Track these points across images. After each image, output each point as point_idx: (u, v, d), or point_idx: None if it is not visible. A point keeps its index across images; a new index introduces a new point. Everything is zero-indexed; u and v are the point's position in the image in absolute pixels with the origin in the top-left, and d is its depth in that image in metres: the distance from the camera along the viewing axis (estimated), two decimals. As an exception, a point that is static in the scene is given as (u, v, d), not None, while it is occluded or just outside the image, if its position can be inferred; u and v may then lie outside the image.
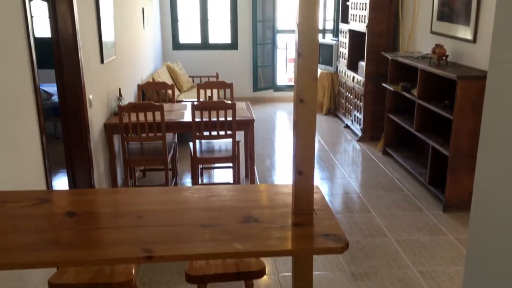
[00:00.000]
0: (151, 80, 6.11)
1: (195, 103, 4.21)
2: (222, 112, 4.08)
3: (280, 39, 8.62)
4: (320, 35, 8.29)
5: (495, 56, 1.23)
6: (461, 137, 4.07)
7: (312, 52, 1.71)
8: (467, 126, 4.04)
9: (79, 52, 3.40)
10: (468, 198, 4.18)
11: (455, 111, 4.02)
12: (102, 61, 4.08)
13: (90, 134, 3.64)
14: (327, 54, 7.66)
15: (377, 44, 5.99)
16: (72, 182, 3.67)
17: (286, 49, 8.79)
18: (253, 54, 8.22)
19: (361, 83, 6.23)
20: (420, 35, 5.45)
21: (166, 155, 4.18)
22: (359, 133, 6.38)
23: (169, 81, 7.10)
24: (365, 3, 5.99)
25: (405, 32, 5.79)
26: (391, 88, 5.29)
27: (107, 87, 4.27)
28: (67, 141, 3.58)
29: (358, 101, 6.42)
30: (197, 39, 8.50)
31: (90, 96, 3.71)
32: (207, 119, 4.11)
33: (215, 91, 5.95)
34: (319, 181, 5.08)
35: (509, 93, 1.12)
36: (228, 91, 5.41)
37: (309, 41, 1.70)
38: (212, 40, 8.52)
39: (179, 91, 7.36)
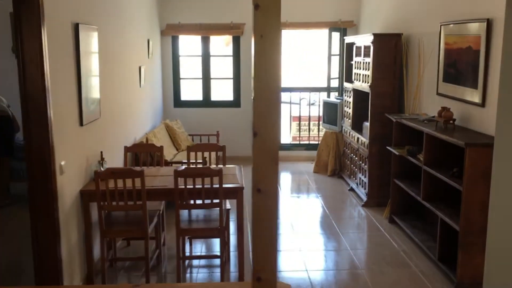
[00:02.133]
0: (144, 140, 5.86)
1: (182, 167, 3.90)
2: (210, 179, 3.76)
3: (284, 96, 8.41)
4: (325, 94, 8.06)
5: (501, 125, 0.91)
6: (472, 210, 3.66)
7: (271, 130, 1.39)
8: (478, 198, 3.63)
9: (48, 113, 3.14)
10: (481, 280, 3.70)
11: (464, 181, 3.63)
12: (81, 124, 3.82)
13: (58, 203, 3.32)
14: (332, 113, 7.39)
15: (381, 105, 5.69)
16: (36, 254, 3.31)
17: (290, 107, 8.56)
18: (256, 112, 7.98)
19: (366, 144, 5.90)
20: (426, 97, 5.15)
21: (147, 225, 3.82)
22: (364, 198, 5.97)
23: (166, 140, 6.85)
24: (368, 63, 5.76)
25: (410, 93, 5.50)
26: (396, 152, 4.94)
27: (86, 151, 3.99)
28: (33, 210, 3.26)
29: (363, 164, 6.06)
30: (199, 96, 8.34)
31: (62, 163, 3.42)
32: (192, 186, 3.78)
33: (212, 153, 5.65)
34: (320, 254, 4.65)
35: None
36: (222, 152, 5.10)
37: (267, 117, 1.39)
38: (214, 97, 8.35)
39: (177, 150, 7.10)
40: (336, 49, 7.94)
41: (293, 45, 15.02)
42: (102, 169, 3.97)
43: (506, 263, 1.61)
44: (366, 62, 5.89)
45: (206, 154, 5.29)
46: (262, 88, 1.38)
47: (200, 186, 3.75)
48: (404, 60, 5.58)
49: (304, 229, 5.27)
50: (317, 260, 4.53)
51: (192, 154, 5.02)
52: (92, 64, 4.11)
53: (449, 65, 4.56)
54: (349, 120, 6.71)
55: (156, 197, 3.98)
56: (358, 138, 6.25)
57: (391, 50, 5.60)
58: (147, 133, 6.14)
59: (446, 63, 4.62)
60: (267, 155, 1.38)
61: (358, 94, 6.43)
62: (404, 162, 5.00)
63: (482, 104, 3.97)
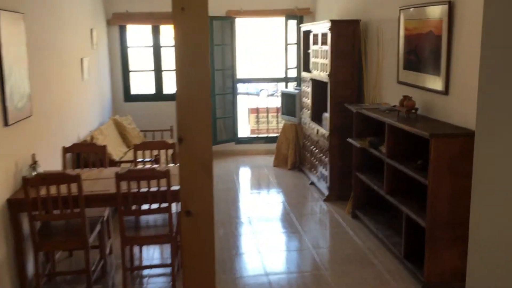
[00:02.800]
0: (88, 139, 5.39)
1: (126, 169, 3.50)
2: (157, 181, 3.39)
3: (241, 88, 8.07)
4: (283, 84, 7.77)
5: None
6: (439, 204, 3.45)
7: (200, 135, 1.06)
8: (445, 191, 3.43)
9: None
10: (450, 278, 3.51)
11: (429, 174, 3.41)
12: (5, 123, 3.36)
13: (-22, 217, 2.88)
14: (290, 104, 7.12)
15: (341, 95, 5.45)
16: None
17: (248, 99, 8.23)
18: (212, 104, 7.62)
19: (326, 136, 5.65)
20: (386, 85, 4.94)
21: (86, 235, 3.41)
22: (326, 192, 5.74)
23: (115, 138, 6.39)
24: (326, 51, 5.49)
25: (370, 82, 5.28)
26: (357, 144, 4.70)
27: (15, 155, 3.53)
28: None
29: (324, 156, 5.81)
30: (151, 90, 7.88)
31: (-19, 169, 2.97)
32: (137, 190, 3.40)
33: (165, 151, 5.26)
34: (280, 255, 4.36)
35: None
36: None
37: (195, 118, 1.05)
38: (167, 90, 7.91)
39: (128, 147, 6.64)
40: (293, 37, 7.65)
41: (249, 34, 14.65)
42: (34, 174, 3.52)
43: (489, 255, 1.41)
44: (324, 51, 5.62)
45: (157, 152, 4.89)
46: (187, 81, 1.05)
47: (146, 190, 3.38)
48: (363, 47, 5.35)
49: (264, 228, 4.97)
50: (278, 262, 4.25)
51: (141, 152, 4.62)
52: (18, 55, 3.63)
53: (409, 52, 4.34)
54: (308, 111, 6.45)
55: (97, 204, 3.58)
56: (318, 130, 6.00)
57: (349, 38, 5.36)
58: (92, 131, 5.67)
59: (406, 50, 4.40)
60: (196, 166, 1.05)
61: (317, 84, 6.17)
62: (366, 154, 4.78)
63: (446, 92, 3.76)
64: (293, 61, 7.73)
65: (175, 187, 3.52)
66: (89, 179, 3.76)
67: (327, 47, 5.46)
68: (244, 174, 7.13)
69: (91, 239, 3.56)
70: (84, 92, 5.85)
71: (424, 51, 4.07)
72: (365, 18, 5.37)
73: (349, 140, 4.90)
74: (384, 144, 4.29)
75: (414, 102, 4.00)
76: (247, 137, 8.25)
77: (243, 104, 8.40)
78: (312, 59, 6.15)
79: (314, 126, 6.15)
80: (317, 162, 6.13)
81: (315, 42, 6.00)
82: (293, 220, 5.13)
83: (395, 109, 4.47)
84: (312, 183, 6.31)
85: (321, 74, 5.73)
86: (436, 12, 3.84)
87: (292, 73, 7.79)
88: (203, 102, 1.11)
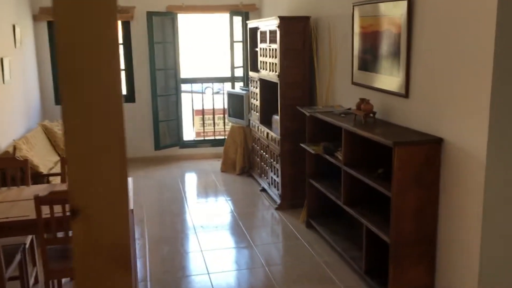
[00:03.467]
0: (11, 150, 4.75)
1: (53, 185, 2.98)
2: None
3: (185, 89, 7.59)
4: (229, 84, 7.36)
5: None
6: (403, 218, 3.17)
7: (117, 199, 0.64)
8: (410, 204, 3.15)
9: None
10: (418, 297, 3.25)
11: (393, 185, 3.13)
12: None
13: None
14: (238, 105, 6.72)
15: (292, 97, 5.12)
16: None
17: (192, 100, 7.76)
18: (153, 107, 7.09)
19: (277, 141, 5.30)
20: (340, 87, 4.65)
21: (1, 268, 2.86)
22: (278, 200, 5.40)
23: (44, 146, 5.75)
24: (275, 49, 5.14)
25: (322, 83, 4.98)
26: (311, 150, 4.38)
27: None
28: None
29: (274, 162, 5.47)
30: (86, 92, 7.23)
31: None
32: (62, 214, 2.88)
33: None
34: (230, 275, 3.96)
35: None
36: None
37: (108, 174, 0.64)
38: (104, 92, 7.29)
39: (60, 156, 6.00)
40: (238, 35, 7.26)
41: (193, 31, 14.06)
42: None
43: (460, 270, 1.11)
44: (272, 49, 5.27)
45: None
46: (83, 107, 0.63)
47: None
48: (314, 46, 5.04)
49: (212, 243, 4.55)
50: (228, 283, 3.85)
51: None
52: None
53: (365, 51, 4.06)
54: (257, 114, 6.08)
55: (14, 232, 3.02)
56: (267, 134, 5.64)
57: (299, 35, 5.03)
58: (15, 140, 5.01)
59: (361, 49, 4.12)
60: (104, 259, 0.63)
61: (266, 85, 5.81)
62: (320, 161, 4.47)
63: (406, 94, 3.50)
64: (239, 59, 7.34)
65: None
66: (5, 201, 3.19)
67: (276, 46, 5.11)
68: (190, 181, 6.67)
69: (9, 271, 3.01)
70: (5, 96, 5.18)
71: (381, 51, 3.80)
72: (315, 15, 5.06)
73: (302, 145, 4.57)
74: (341, 150, 4.00)
75: (372, 105, 3.72)
76: (193, 141, 7.79)
77: (188, 105, 7.90)
78: (260, 58, 5.78)
79: (264, 129, 5.79)
80: (267, 167, 5.78)
81: (263, 40, 5.64)
82: (244, 231, 4.75)
83: (350, 112, 4.19)
84: (263, 190, 5.96)
85: (270, 74, 5.38)
86: (394, 8, 3.57)
87: (239, 73, 7.41)
88: (116, 141, 0.69)
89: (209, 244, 4.50)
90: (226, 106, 7.20)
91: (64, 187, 3.55)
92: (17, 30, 5.69)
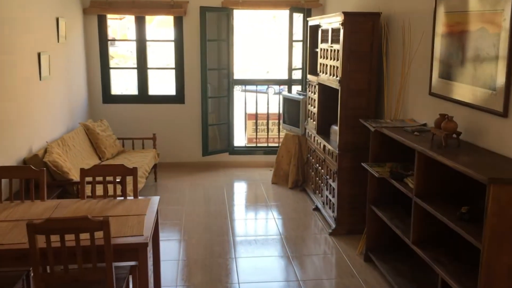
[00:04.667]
0: (41, 153, 4.38)
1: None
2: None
3: (239, 93, 7.04)
4: (285, 87, 6.71)
5: None
6: (496, 279, 2.40)
7: None
8: (507, 261, 2.37)
9: None
10: None
11: (485, 234, 2.36)
12: None
13: None
14: (294, 111, 6.07)
15: (354, 106, 4.40)
16: None
17: (245, 103, 7.19)
18: (203, 109, 6.59)
19: (334, 155, 4.60)
20: (414, 98, 3.88)
21: (-9, 308, 2.40)
22: (332, 223, 4.69)
23: (84, 148, 5.40)
24: (337, 51, 4.44)
25: (392, 91, 4.21)
26: (375, 173, 3.64)
27: None
28: None
29: (331, 179, 4.76)
30: (134, 90, 6.87)
31: None
32: (60, 245, 2.38)
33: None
34: (269, 318, 3.33)
35: None
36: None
37: None
38: (152, 91, 6.89)
39: (100, 159, 5.64)
40: (299, 33, 6.60)
41: (249, 29, 13.39)
42: None
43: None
44: (334, 50, 4.57)
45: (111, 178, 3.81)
46: None
47: (75, 244, 2.35)
48: (384, 48, 4.29)
49: (251, 275, 3.93)
50: (267, 328, 3.22)
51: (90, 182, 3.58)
52: None
53: (449, 56, 3.28)
54: (314, 122, 5.39)
55: (5, 263, 2.52)
56: (324, 146, 4.95)
57: (367, 35, 4.30)
58: (49, 142, 4.65)
59: (444, 53, 3.34)
60: None
61: (325, 90, 5.12)
62: (385, 184, 3.73)
63: (504, 112, 2.70)
64: (298, 61, 6.69)
65: (121, 239, 2.50)
66: (7, 220, 2.74)
67: (338, 46, 4.41)
68: (238, 193, 6.09)
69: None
70: (43, 94, 4.84)
71: (471, 55, 3.01)
72: (387, 11, 4.31)
73: (364, 165, 3.85)
74: (412, 175, 3.25)
75: (456, 124, 2.95)
76: (244, 147, 7.22)
77: (240, 108, 7.34)
78: (320, 60, 5.09)
79: (321, 140, 5.10)
80: (322, 184, 5.08)
81: (324, 40, 4.95)
82: (290, 261, 4.10)
83: (426, 129, 3.43)
84: (316, 209, 5.27)
85: (331, 79, 4.68)
86: (494, 2, 2.77)
87: (297, 75, 6.75)
88: None
89: (248, 276, 3.89)
90: (281, 111, 6.57)
91: (85, 206, 3.06)
92: (61, 23, 5.36)
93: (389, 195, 3.86)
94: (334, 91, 4.70)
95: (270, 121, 7.28)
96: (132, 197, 3.24)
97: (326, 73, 4.85)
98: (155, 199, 3.16)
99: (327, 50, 4.82)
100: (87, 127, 5.66)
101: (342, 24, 4.26)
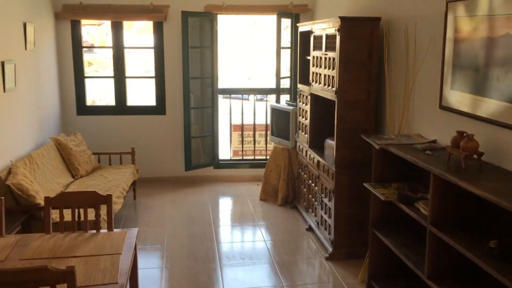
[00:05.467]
0: (3, 174, 3.89)
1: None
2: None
3: (223, 101, 6.62)
4: (273, 96, 6.32)
5: None
6: (536, 329, 2.03)
7: None
8: (549, 308, 2.01)
9: None
10: None
11: (523, 277, 1.99)
12: None
13: None
14: (283, 123, 5.68)
15: (352, 119, 4.03)
16: None
17: (230, 113, 6.78)
18: (185, 120, 6.15)
19: (330, 172, 4.22)
20: (421, 111, 3.52)
21: None
22: (329, 246, 4.30)
23: (55, 166, 4.91)
24: (332, 59, 4.07)
25: (395, 103, 3.86)
26: (380, 195, 3.26)
27: None
28: None
29: (326, 198, 4.38)
30: (112, 101, 6.40)
31: None
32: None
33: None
34: None
35: None
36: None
37: None
38: (131, 101, 6.44)
39: (73, 177, 5.16)
40: (287, 40, 6.24)
41: (234, 35, 12.98)
42: None
43: None
44: (329, 58, 4.20)
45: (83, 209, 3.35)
46: None
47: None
48: (386, 55, 3.93)
49: (244, 307, 3.52)
50: None
51: (56, 212, 3.12)
52: None
53: (465, 65, 2.93)
54: (306, 135, 5.02)
55: None
56: (318, 162, 4.56)
57: (365, 42, 3.94)
58: (13, 161, 4.15)
59: (458, 61, 2.99)
60: None
61: (318, 101, 4.75)
62: (389, 205, 3.36)
63: (535, 131, 2.35)
64: (286, 68, 6.32)
65: (90, 290, 2.06)
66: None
67: (334, 54, 4.05)
68: (224, 210, 5.67)
69: None
70: (7, 107, 4.36)
71: (492, 64, 2.66)
72: (388, 15, 3.96)
73: (367, 186, 3.47)
74: (422, 198, 2.89)
75: (477, 143, 2.59)
76: (229, 160, 6.80)
77: (225, 118, 6.92)
78: (312, 69, 4.73)
79: (314, 155, 4.72)
80: (316, 202, 4.70)
81: (317, 47, 4.58)
82: (285, 292, 3.70)
83: (437, 147, 3.08)
84: (310, 229, 4.88)
85: (325, 89, 4.31)
86: (519, 4, 2.43)
87: (285, 84, 6.38)
88: None
89: (239, 310, 3.47)
90: (269, 122, 6.18)
91: (49, 243, 2.61)
92: (29, 29, 4.88)
93: (394, 218, 3.49)
94: (328, 102, 4.34)
95: (256, 133, 6.88)
96: (105, 230, 2.79)
97: (320, 83, 4.48)
98: (133, 232, 2.73)
99: (321, 58, 4.45)
100: (58, 142, 5.18)
101: (338, 30, 3.90)
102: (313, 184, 4.82)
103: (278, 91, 6.17)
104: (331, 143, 4.43)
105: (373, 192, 3.40)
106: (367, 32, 3.92)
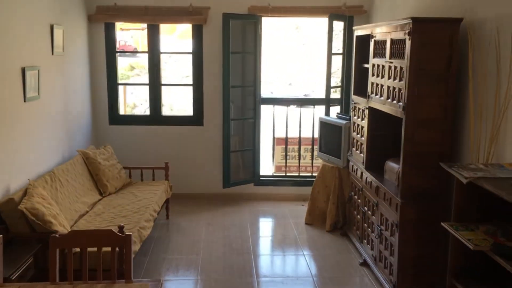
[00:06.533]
0: (17, 196, 3.43)
1: None
2: None
3: (266, 111, 6.05)
4: (323, 107, 5.68)
5: None
6: None
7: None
8: None
9: None
10: None
11: None
12: None
13: None
14: (333, 139, 5.04)
15: (423, 140, 3.36)
16: None
17: (274, 125, 6.18)
18: (225, 133, 5.61)
19: (393, 203, 3.55)
20: (518, 134, 2.82)
21: None
22: (389, 289, 3.63)
23: (82, 182, 4.47)
24: (400, 68, 3.41)
25: (480, 124, 3.15)
26: (469, 245, 2.58)
27: None
28: None
29: (387, 232, 3.71)
30: (146, 110, 5.93)
31: None
32: None
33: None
34: None
35: None
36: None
37: None
38: (166, 111, 5.95)
39: (101, 194, 4.70)
40: (338, 45, 5.61)
41: (283, 38, 12.25)
42: None
43: None
44: (395, 67, 3.54)
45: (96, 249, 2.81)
46: None
47: None
48: (470, 64, 3.23)
49: None
50: None
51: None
52: None
53: None
54: (361, 155, 4.36)
55: None
56: (377, 188, 3.90)
57: (442, 48, 3.26)
58: (31, 180, 3.69)
59: None
60: None
61: (377, 116, 4.10)
62: (474, 252, 2.67)
63: None
64: (337, 77, 5.68)
65: None
66: None
67: (402, 62, 3.39)
68: (264, 235, 5.07)
69: None
70: (27, 118, 3.92)
71: None
72: (472, 15, 3.26)
73: (447, 227, 2.79)
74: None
75: None
76: (271, 177, 6.20)
77: (267, 130, 6.35)
78: (372, 79, 4.07)
79: (371, 179, 4.06)
80: (374, 234, 4.03)
81: (379, 54, 3.94)
82: None
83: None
84: (364, 263, 4.21)
85: (389, 104, 3.65)
86: None
87: (336, 94, 5.74)
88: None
89: None
90: (317, 135, 5.56)
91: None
92: (57, 32, 4.46)
93: (479, 264, 2.80)
94: (389, 117, 3.69)
95: (301, 147, 6.26)
96: (123, 281, 2.24)
97: (382, 95, 3.82)
98: (156, 286, 2.16)
99: (383, 66, 3.79)
100: (86, 156, 4.73)
101: (408, 34, 3.24)
102: (369, 212, 4.16)
103: (328, 102, 5.53)
104: (393, 166, 3.77)
105: (455, 235, 2.71)
106: (445, 36, 3.24)
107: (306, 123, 6.25)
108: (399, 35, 3.45)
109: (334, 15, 5.40)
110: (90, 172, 4.72)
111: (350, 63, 5.65)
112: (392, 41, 3.60)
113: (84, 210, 4.21)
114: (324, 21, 5.54)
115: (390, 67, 3.64)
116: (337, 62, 5.63)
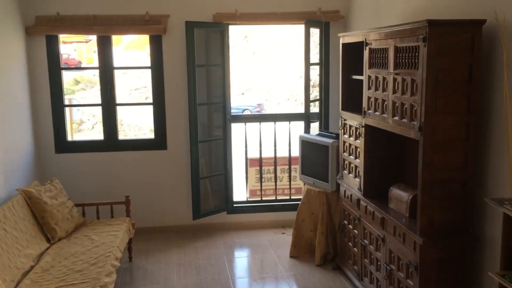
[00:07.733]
0: None
1: None
2: None
3: (237, 129, 5.40)
4: (302, 123, 5.09)
5: None
6: None
7: None
8: None
9: None
10: None
11: None
12: None
13: None
14: (318, 159, 4.47)
15: (444, 166, 2.82)
16: None
17: (246, 145, 5.53)
18: (192, 157, 4.91)
19: (409, 240, 3.00)
20: None
21: None
22: None
23: (23, 228, 3.65)
24: (411, 80, 2.88)
25: (509, 145, 2.64)
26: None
27: None
28: None
29: (403, 275, 3.14)
30: (99, 134, 5.14)
31: None
32: None
33: None
34: None
35: None
36: None
37: None
38: (122, 135, 5.19)
39: (49, 241, 3.90)
40: (316, 54, 5.07)
41: (257, 47, 11.56)
42: None
43: None
44: (404, 80, 3.00)
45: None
46: None
47: None
48: (506, 72, 2.72)
49: None
50: None
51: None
52: None
53: None
54: (357, 179, 3.80)
55: None
56: (383, 220, 3.34)
57: (461, 55, 2.75)
58: (-44, 239, 2.87)
59: None
60: None
61: (375, 134, 3.56)
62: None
63: None
64: (317, 90, 5.15)
65: None
66: None
67: (415, 73, 2.85)
68: (244, 273, 4.41)
69: None
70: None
71: None
72: (492, 16, 2.77)
73: (497, 277, 2.25)
74: None
75: None
76: (246, 203, 5.54)
77: (239, 152, 5.70)
78: (368, 92, 3.53)
79: (372, 208, 3.50)
80: (379, 273, 3.46)
81: (377, 64, 3.40)
82: None
83: None
84: (368, 306, 3.64)
85: (395, 122, 3.11)
86: None
87: (314, 108, 5.19)
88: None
89: None
90: (294, 153, 4.96)
91: None
92: (-14, 47, 3.64)
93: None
94: (389, 136, 3.15)
95: (278, 167, 5.66)
96: None
97: (384, 112, 3.28)
98: None
99: (384, 78, 3.26)
100: (29, 195, 3.91)
101: (424, 40, 2.70)
102: (371, 246, 3.60)
103: (307, 117, 4.96)
104: (401, 194, 3.24)
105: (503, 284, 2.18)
106: (465, 41, 2.73)
107: (282, 140, 5.66)
108: (408, 41, 2.91)
109: (310, 21, 4.85)
110: (34, 214, 3.90)
111: (327, 74, 5.13)
112: (397, 49, 3.07)
113: (28, 266, 3.40)
114: (283, 28, 4.98)
115: (395, 79, 3.10)
116: (315, 73, 5.09)
